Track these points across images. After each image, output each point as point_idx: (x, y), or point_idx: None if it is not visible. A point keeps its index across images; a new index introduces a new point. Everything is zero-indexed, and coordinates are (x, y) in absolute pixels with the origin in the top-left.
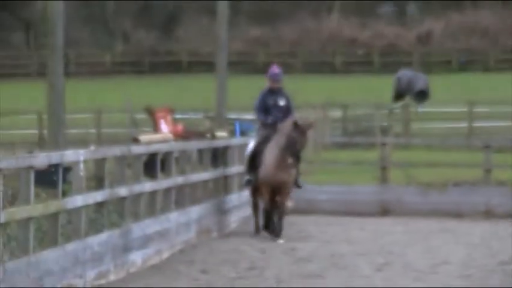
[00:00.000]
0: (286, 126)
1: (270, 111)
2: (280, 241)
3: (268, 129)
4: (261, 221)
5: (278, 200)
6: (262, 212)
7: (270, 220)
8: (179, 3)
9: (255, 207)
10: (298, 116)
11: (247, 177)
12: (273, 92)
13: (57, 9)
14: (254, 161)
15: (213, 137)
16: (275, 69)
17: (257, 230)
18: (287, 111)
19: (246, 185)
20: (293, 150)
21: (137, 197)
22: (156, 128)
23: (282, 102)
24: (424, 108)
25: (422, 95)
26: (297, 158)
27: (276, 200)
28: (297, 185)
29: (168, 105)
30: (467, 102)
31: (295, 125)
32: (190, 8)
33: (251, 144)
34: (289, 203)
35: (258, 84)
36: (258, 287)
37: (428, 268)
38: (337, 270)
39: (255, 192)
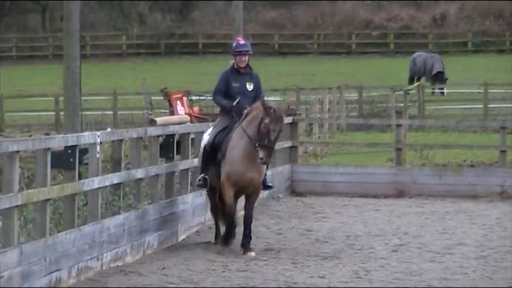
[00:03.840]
0: (257, 111)
1: (234, 98)
2: (252, 254)
3: (232, 115)
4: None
5: (246, 206)
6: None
7: (232, 230)
8: None
9: (216, 211)
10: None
11: (202, 175)
12: (239, 73)
13: None
14: (213, 155)
15: None
16: (241, 40)
17: (218, 239)
18: (256, 98)
19: (200, 186)
20: (266, 141)
21: (153, 178)
22: (172, 110)
23: (250, 86)
24: (447, 90)
25: (440, 77)
26: (270, 151)
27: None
28: (266, 185)
29: (184, 88)
30: (482, 83)
31: (268, 110)
32: None
33: (207, 134)
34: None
35: (273, 67)
36: (274, 268)
37: (443, 249)
38: (353, 252)
39: (214, 194)
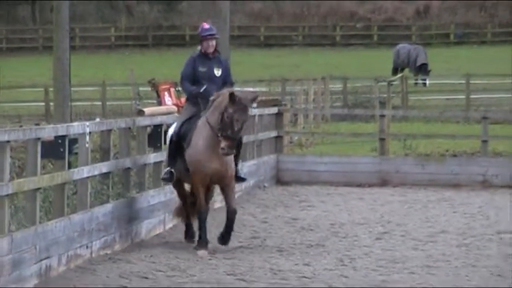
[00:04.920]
0: (222, 98)
1: (201, 83)
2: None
3: (198, 103)
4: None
5: (227, 202)
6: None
7: (204, 227)
8: None
9: (183, 207)
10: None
11: (167, 169)
12: (207, 57)
13: None
14: (179, 146)
15: None
16: (206, 25)
17: (187, 236)
18: (224, 83)
19: (166, 180)
20: (228, 131)
21: (142, 168)
22: (160, 101)
23: (218, 72)
24: (429, 81)
25: (423, 69)
26: (232, 142)
27: (208, 200)
28: (239, 177)
29: (172, 79)
30: (465, 74)
31: (233, 98)
32: None
33: (174, 125)
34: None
35: (259, 58)
36: (260, 255)
37: (426, 237)
38: (338, 239)
39: (181, 188)
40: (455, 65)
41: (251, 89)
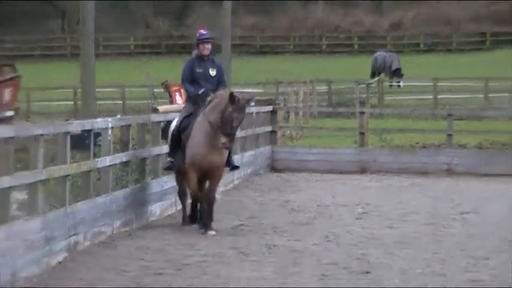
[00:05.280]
0: (220, 98)
1: (198, 81)
2: (212, 233)
3: (197, 102)
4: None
5: (209, 187)
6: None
7: (197, 210)
8: None
9: (183, 194)
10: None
11: (169, 159)
12: (202, 60)
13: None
14: (179, 140)
15: None
16: (202, 30)
17: (185, 221)
18: (218, 83)
19: (167, 169)
20: (228, 128)
21: (156, 157)
22: (171, 100)
23: (213, 72)
24: (403, 83)
25: (398, 73)
26: (232, 137)
27: (204, 187)
28: (232, 165)
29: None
30: (433, 78)
31: (233, 98)
32: None
33: (175, 121)
34: (218, 195)
35: (256, 64)
36: (257, 233)
37: (399, 217)
38: (324, 219)
39: (181, 177)
40: (424, 70)
41: (249, 90)
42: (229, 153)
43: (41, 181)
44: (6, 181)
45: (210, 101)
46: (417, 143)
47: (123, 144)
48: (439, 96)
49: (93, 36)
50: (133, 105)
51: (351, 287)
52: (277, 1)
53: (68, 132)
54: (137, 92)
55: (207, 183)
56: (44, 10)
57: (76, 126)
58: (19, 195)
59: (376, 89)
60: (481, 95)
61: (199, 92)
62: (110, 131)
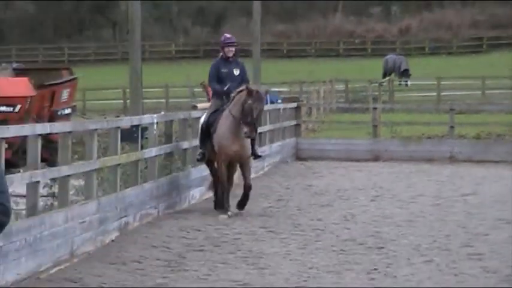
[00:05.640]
0: (240, 94)
1: (224, 80)
2: (224, 216)
3: (223, 98)
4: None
5: (243, 175)
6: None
7: (226, 197)
8: (225, 5)
9: (214, 182)
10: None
11: (200, 151)
12: (227, 61)
13: (136, 11)
14: (208, 132)
15: None
16: (227, 35)
17: (218, 205)
18: (242, 81)
19: (199, 160)
20: (249, 118)
21: (195, 149)
22: (208, 98)
23: (236, 72)
24: (410, 82)
25: (406, 73)
26: (254, 127)
27: (232, 175)
28: (255, 154)
29: None
30: (436, 77)
31: (250, 92)
32: (233, 9)
33: (204, 116)
34: (236, 180)
35: (283, 67)
36: (284, 213)
37: (408, 199)
38: (342, 201)
39: (211, 166)
40: (429, 70)
41: (275, 89)
42: (253, 145)
43: (95, 170)
44: (65, 170)
45: (233, 98)
46: (423, 134)
47: (167, 137)
48: (442, 93)
49: (140, 43)
50: (175, 103)
51: (366, 260)
52: (301, 11)
53: (118, 127)
54: (179, 92)
55: (236, 173)
56: (97, 21)
57: (126, 121)
58: (76, 182)
59: (387, 87)
60: (479, 92)
61: (224, 89)
62: (155, 126)
